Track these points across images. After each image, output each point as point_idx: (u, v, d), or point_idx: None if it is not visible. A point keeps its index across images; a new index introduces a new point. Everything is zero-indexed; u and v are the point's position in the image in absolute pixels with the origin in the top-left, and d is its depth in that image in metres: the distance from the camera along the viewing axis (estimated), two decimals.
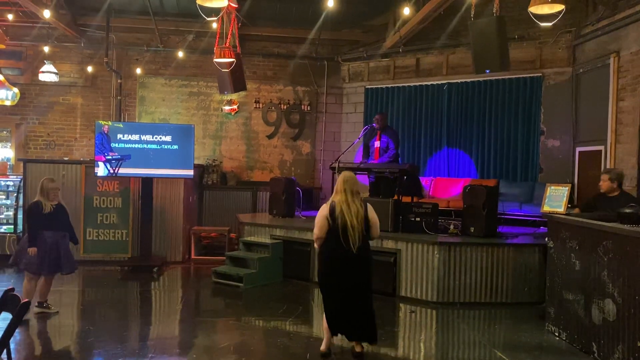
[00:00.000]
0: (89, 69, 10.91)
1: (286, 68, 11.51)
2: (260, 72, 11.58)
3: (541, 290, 6.22)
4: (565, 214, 5.58)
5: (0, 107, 10.67)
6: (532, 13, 5.68)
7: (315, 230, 4.62)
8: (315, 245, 4.73)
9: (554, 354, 5.01)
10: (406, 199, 7.63)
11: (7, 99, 10.52)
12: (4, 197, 9.17)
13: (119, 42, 11.10)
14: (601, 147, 8.29)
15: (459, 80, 10.31)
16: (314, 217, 4.82)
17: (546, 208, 5.88)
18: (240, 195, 10.88)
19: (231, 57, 7.69)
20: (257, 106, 11.50)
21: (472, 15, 7.03)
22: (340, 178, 4.64)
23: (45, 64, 10.35)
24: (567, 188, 5.90)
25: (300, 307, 6.55)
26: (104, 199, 8.80)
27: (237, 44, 8.48)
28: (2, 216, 9.10)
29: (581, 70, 9.03)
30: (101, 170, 8.27)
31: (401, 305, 6.62)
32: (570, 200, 6.11)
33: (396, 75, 10.98)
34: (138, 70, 11.14)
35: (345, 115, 11.69)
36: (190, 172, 8.69)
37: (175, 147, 8.48)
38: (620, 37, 7.99)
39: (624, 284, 4.31)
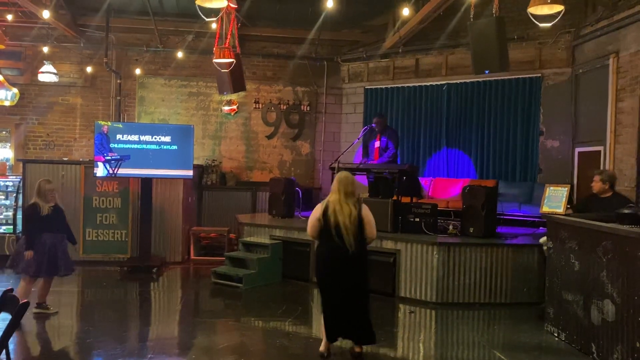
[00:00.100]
0: (89, 69, 10.90)
1: (286, 68, 11.51)
2: (259, 73, 11.58)
3: (540, 291, 6.22)
4: (565, 215, 5.59)
5: (0, 107, 10.67)
6: (531, 14, 5.67)
7: (307, 230, 4.68)
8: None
9: (553, 355, 5.01)
10: (405, 200, 7.64)
11: (6, 99, 10.53)
12: (3, 197, 9.17)
13: (119, 43, 11.09)
14: (600, 148, 8.29)
15: (458, 81, 10.31)
16: None
17: (545, 208, 5.89)
18: (240, 195, 10.88)
19: (231, 58, 7.68)
20: (257, 106, 11.50)
21: (471, 16, 7.03)
22: (336, 178, 4.66)
23: (44, 64, 10.34)
24: (566, 189, 5.92)
25: (300, 307, 6.56)
26: (103, 200, 8.79)
27: (237, 45, 8.47)
28: (2, 216, 9.09)
29: (580, 71, 9.03)
30: (100, 170, 8.27)
31: (400, 305, 6.62)
32: (570, 200, 6.11)
33: (396, 76, 10.99)
34: (137, 71, 11.13)
35: (345, 116, 11.69)
36: (190, 173, 8.70)
37: (175, 147, 8.48)
38: (620, 38, 8.00)
39: (623, 285, 4.31)
